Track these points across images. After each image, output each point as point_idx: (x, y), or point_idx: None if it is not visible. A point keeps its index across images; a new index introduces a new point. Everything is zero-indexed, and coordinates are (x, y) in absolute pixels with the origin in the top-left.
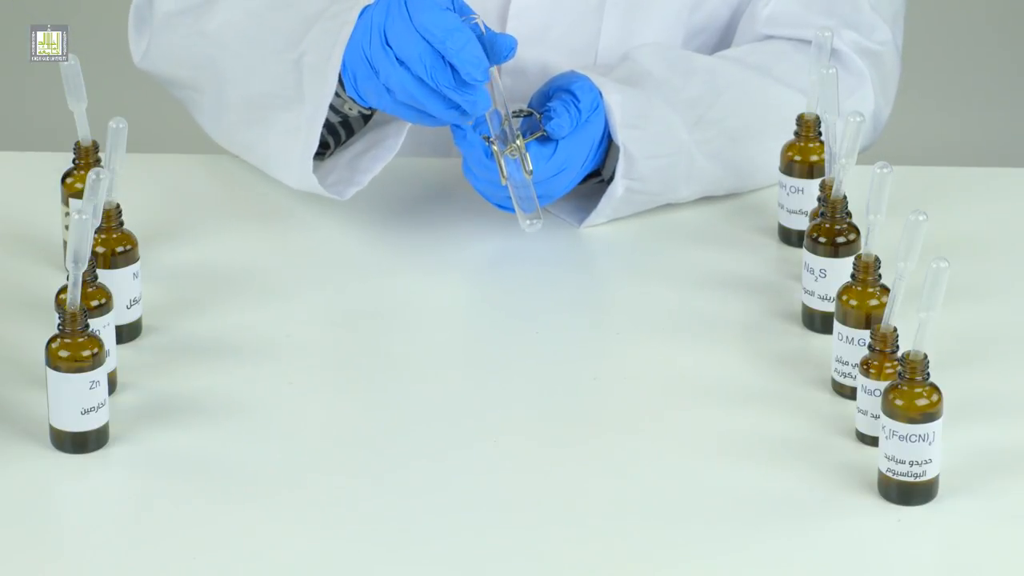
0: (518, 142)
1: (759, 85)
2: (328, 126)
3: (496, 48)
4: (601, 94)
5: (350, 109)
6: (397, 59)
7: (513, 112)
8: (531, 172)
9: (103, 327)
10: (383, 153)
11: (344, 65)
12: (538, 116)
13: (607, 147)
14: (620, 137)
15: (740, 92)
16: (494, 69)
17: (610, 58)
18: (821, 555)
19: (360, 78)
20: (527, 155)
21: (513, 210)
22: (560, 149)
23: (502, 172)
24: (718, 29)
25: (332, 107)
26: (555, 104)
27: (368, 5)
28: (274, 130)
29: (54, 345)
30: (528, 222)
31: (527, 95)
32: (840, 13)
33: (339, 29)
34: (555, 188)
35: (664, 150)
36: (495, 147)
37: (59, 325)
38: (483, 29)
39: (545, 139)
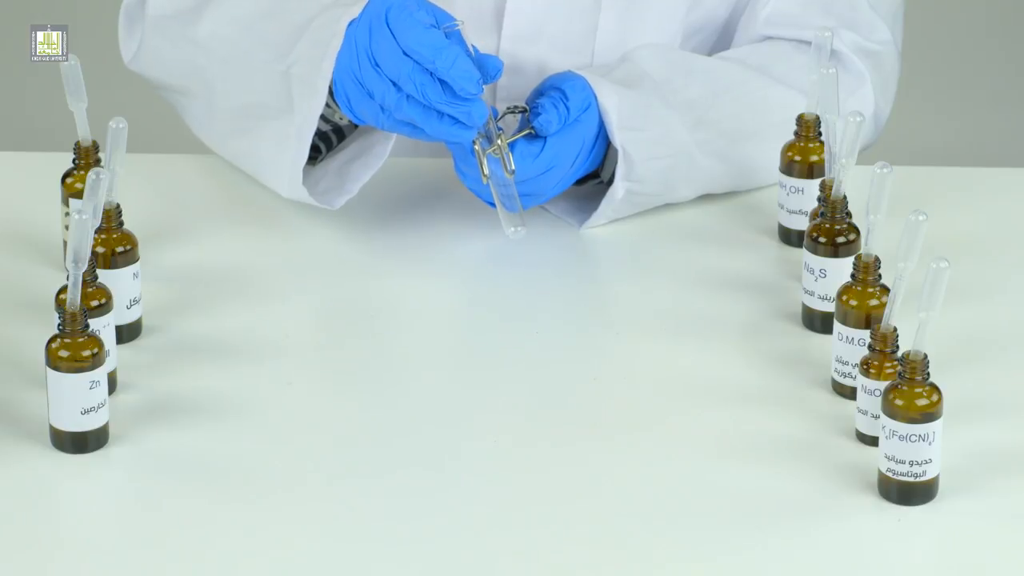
0: (500, 141)
1: (759, 85)
2: (319, 133)
3: (483, 69)
4: (596, 95)
5: (340, 119)
6: (389, 79)
7: (508, 108)
8: (513, 172)
9: (103, 327)
10: (372, 160)
11: (336, 86)
12: (526, 113)
13: (605, 149)
14: (618, 139)
15: (740, 93)
16: (473, 53)
17: (607, 55)
18: (821, 555)
19: (354, 100)
20: (510, 154)
21: (487, 199)
22: (548, 147)
23: (483, 171)
24: (716, 28)
25: (323, 116)
26: (543, 101)
27: (353, 19)
28: (264, 140)
29: (54, 345)
30: (512, 229)
31: (523, 93)
32: (839, 13)
33: (328, 41)
34: (544, 187)
35: (663, 151)
36: (477, 146)
37: (59, 325)
38: (469, 42)
39: (533, 137)
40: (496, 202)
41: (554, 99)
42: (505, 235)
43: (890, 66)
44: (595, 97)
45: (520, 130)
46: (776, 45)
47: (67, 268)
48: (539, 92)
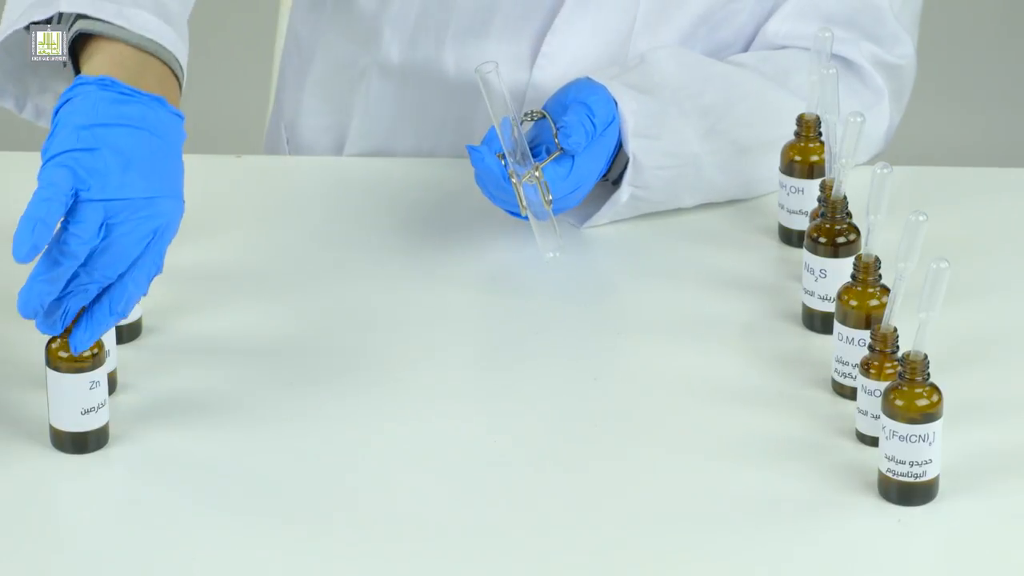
0: (537, 172)
1: (774, 96)
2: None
3: None
4: (617, 104)
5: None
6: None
7: (525, 114)
8: (551, 201)
9: None
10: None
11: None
12: (554, 131)
13: (618, 152)
14: (631, 146)
15: (755, 103)
16: (506, 95)
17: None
18: (821, 555)
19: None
20: (547, 184)
21: (521, 216)
22: (576, 166)
23: (522, 202)
24: (744, 45)
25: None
26: (570, 119)
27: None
28: None
29: (54, 345)
30: (551, 254)
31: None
32: (862, 25)
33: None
34: (569, 203)
35: (673, 161)
36: (513, 178)
37: None
38: (502, 84)
39: (560, 156)
40: (533, 227)
41: (580, 115)
42: (543, 259)
43: (907, 78)
44: (616, 107)
45: (545, 145)
46: (793, 55)
47: None
48: (563, 105)
